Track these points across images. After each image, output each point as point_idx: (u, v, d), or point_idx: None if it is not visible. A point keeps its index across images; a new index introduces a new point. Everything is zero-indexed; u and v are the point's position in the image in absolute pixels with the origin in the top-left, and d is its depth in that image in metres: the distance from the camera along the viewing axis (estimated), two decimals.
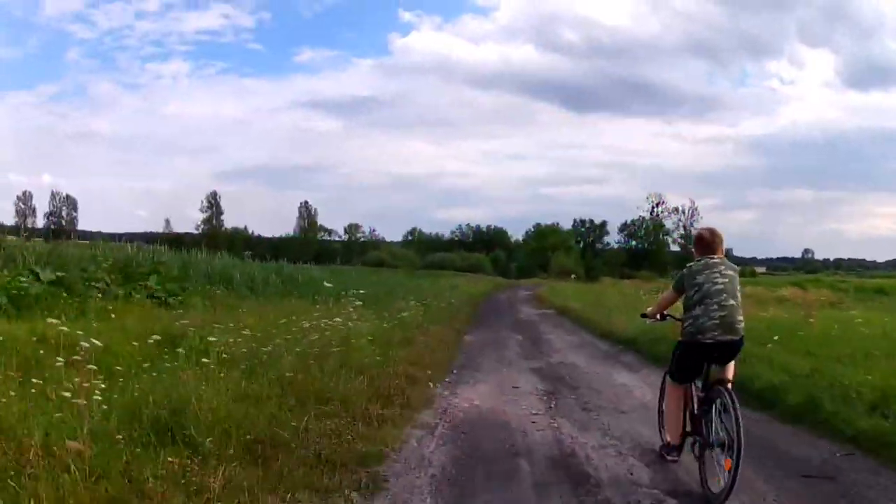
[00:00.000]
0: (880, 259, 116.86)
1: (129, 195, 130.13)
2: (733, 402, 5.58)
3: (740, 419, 5.46)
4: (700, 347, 6.06)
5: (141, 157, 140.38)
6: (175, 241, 43.70)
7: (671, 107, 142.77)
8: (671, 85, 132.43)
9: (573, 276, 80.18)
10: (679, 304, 6.72)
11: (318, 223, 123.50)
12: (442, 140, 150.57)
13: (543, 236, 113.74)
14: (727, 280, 6.06)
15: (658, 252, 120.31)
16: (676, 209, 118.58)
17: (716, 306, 5.97)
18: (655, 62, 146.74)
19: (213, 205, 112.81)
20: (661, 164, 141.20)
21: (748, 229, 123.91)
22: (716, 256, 6.25)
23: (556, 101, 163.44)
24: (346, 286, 19.53)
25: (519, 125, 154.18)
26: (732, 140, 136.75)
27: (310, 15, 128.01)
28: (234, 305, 15.50)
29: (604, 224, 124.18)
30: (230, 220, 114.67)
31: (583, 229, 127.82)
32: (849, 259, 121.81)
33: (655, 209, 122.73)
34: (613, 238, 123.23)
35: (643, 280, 71.46)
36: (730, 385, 5.92)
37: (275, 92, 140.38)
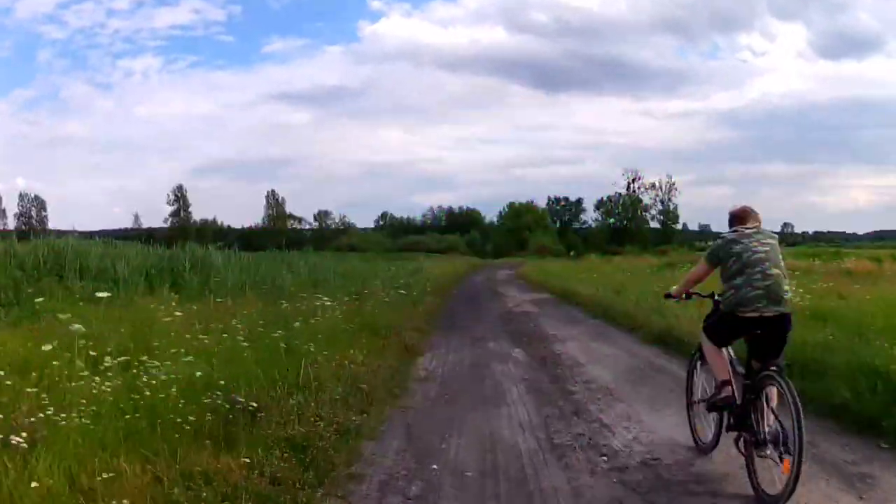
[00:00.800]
0: (861, 231, 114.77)
1: (104, 195, 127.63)
2: (790, 391, 4.85)
3: (800, 411, 4.70)
4: (742, 322, 5.35)
5: (115, 156, 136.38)
6: (146, 236, 41.29)
7: (642, 83, 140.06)
8: (641, 62, 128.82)
9: (572, 252, 73.31)
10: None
11: (288, 211, 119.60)
12: (414, 127, 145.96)
13: (518, 215, 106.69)
14: (768, 248, 5.50)
15: (638, 229, 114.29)
16: (653, 185, 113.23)
17: (759, 275, 5.34)
18: (625, 40, 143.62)
19: (180, 198, 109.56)
20: (633, 142, 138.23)
21: (724, 204, 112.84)
22: (750, 226, 5.69)
23: (527, 81, 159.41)
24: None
25: (490, 107, 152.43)
26: (703, 114, 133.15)
27: (278, 6, 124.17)
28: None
29: (579, 201, 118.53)
30: (203, 214, 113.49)
31: (558, 207, 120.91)
32: (828, 232, 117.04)
33: (632, 185, 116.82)
34: (590, 216, 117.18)
35: (632, 256, 65.63)
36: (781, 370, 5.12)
37: (246, 85, 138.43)
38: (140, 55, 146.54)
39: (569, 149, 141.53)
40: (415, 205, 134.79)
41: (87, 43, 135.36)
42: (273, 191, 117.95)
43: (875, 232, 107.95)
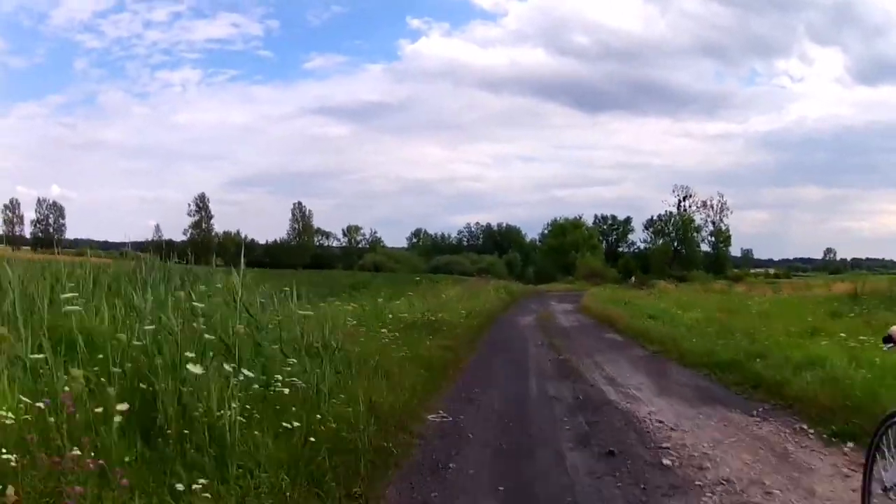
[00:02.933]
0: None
1: (136, 203, 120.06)
2: None
3: None
4: None
5: (150, 165, 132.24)
6: (166, 246, 37.56)
7: (681, 105, 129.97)
8: (680, 84, 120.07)
9: (632, 278, 60.34)
10: None
11: (315, 226, 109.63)
12: (453, 144, 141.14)
13: (563, 232, 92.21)
14: None
15: (691, 251, 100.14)
16: (705, 203, 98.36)
17: None
18: (665, 63, 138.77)
19: (202, 208, 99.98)
20: (672, 163, 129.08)
21: (760, 229, 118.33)
22: None
23: (567, 102, 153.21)
24: None
25: (529, 127, 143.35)
26: (742, 137, 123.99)
27: (318, 22, 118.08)
28: None
29: (628, 220, 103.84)
30: (236, 226, 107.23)
31: (604, 226, 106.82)
32: (867, 259, 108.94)
33: (682, 203, 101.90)
34: (638, 236, 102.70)
35: (703, 282, 51.92)
36: None
37: (284, 98, 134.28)
38: (179, 67, 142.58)
39: (608, 168, 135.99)
40: (452, 224, 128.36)
41: (125, 54, 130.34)
42: (300, 203, 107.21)
43: None
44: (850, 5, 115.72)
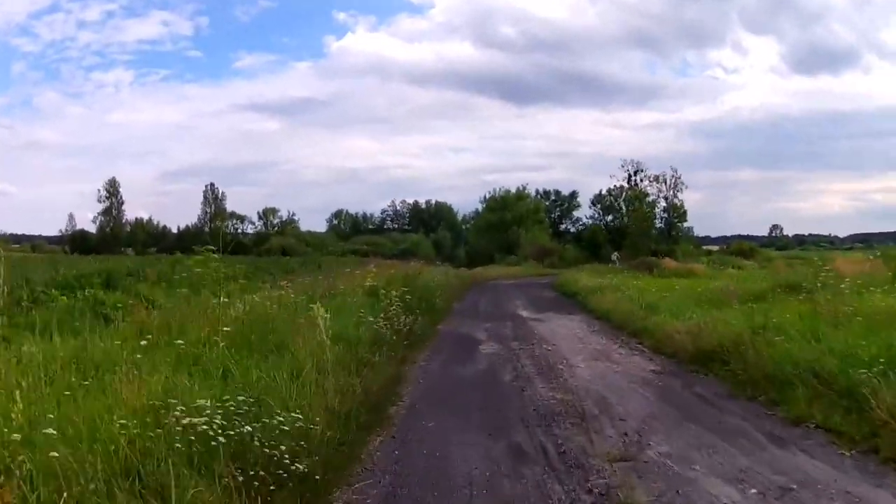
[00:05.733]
0: (842, 234, 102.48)
1: (79, 199, 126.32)
2: None
3: None
4: None
5: (87, 163, 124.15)
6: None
7: (611, 96, 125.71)
8: (610, 75, 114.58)
9: (615, 257, 42.49)
10: None
11: (229, 209, 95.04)
12: (383, 136, 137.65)
13: (504, 205, 73.07)
14: None
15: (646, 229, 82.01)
16: (657, 178, 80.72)
17: None
18: (594, 54, 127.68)
19: (112, 194, 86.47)
20: (602, 151, 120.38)
21: (696, 210, 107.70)
22: None
23: (496, 94, 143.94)
24: None
25: (459, 120, 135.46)
26: (674, 126, 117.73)
27: (247, 19, 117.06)
28: None
29: (574, 195, 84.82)
30: (169, 218, 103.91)
31: (547, 203, 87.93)
32: (810, 235, 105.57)
33: (633, 177, 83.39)
34: (584, 212, 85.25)
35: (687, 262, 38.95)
36: None
37: (215, 96, 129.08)
38: (112, 69, 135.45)
39: (537, 156, 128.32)
40: (381, 208, 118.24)
41: (59, 56, 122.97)
42: (212, 184, 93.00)
43: (853, 235, 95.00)
44: None
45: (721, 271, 32.80)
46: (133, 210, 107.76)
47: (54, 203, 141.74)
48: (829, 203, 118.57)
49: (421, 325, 11.98)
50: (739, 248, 64.43)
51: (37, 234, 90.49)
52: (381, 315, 9.93)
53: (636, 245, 60.76)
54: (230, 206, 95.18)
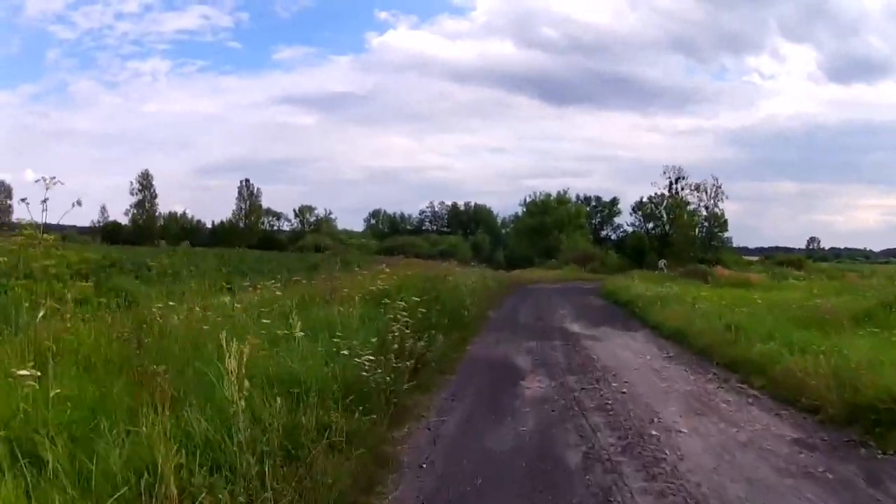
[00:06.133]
0: (875, 249, 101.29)
1: (111, 191, 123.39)
2: None
3: None
4: None
5: (120, 153, 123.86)
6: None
7: (649, 100, 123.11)
8: (649, 79, 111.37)
9: (662, 263, 38.78)
10: None
11: (264, 206, 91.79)
12: (421, 134, 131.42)
13: (544, 210, 69.60)
14: None
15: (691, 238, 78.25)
16: (698, 186, 76.75)
17: None
18: (633, 57, 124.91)
19: (145, 187, 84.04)
20: (640, 156, 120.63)
21: (733, 219, 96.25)
22: None
23: (535, 94, 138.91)
24: None
25: (497, 119, 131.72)
26: (711, 132, 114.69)
27: (287, 15, 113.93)
28: None
29: (615, 201, 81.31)
30: (204, 213, 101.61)
31: (588, 208, 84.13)
32: (845, 248, 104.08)
33: (675, 185, 79.46)
34: (624, 219, 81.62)
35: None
36: None
37: (252, 88, 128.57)
38: (148, 58, 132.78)
39: (576, 160, 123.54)
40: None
41: (96, 45, 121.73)
42: (247, 180, 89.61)
43: (888, 250, 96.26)
44: (823, 1, 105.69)
45: (782, 283, 29.03)
46: (167, 203, 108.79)
47: (87, 193, 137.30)
48: (863, 217, 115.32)
49: (441, 347, 8.72)
50: (788, 259, 59.94)
51: (70, 224, 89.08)
52: (377, 338, 6.61)
53: (681, 253, 56.90)
54: (266, 202, 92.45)
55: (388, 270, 11.57)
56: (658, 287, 21.53)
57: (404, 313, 7.65)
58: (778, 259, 64.69)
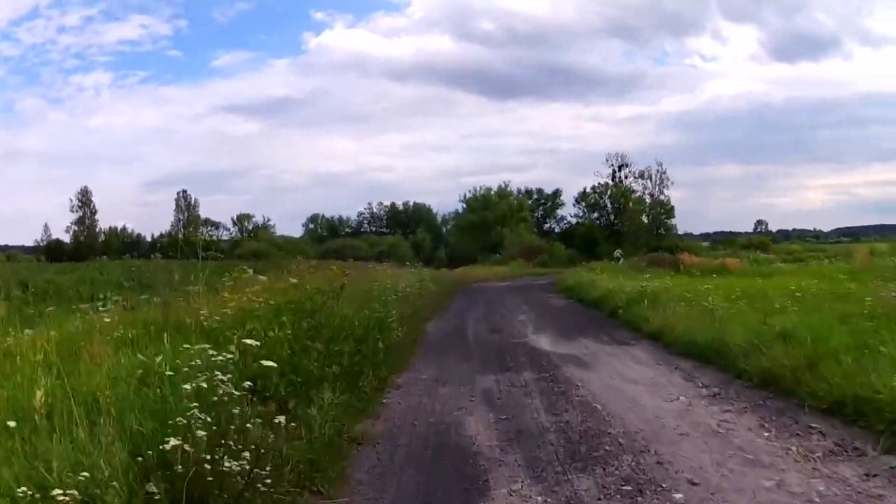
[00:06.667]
0: (825, 228, 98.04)
1: (53, 209, 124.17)
2: None
3: None
4: None
5: (69, 171, 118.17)
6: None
7: (590, 88, 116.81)
8: (589, 67, 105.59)
9: (618, 254, 34.82)
10: None
11: (202, 216, 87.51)
12: (362, 136, 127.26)
13: (485, 205, 65.66)
14: None
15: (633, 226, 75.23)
16: (642, 173, 73.63)
17: None
18: (573, 46, 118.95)
19: (85, 203, 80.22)
20: (583, 147, 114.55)
21: (678, 205, 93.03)
22: None
23: (475, 89, 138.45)
24: None
25: (439, 116, 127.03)
26: (653, 118, 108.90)
27: (224, 20, 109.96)
28: None
29: (557, 193, 77.69)
30: (154, 227, 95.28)
31: (530, 201, 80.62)
32: (793, 230, 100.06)
33: (618, 173, 76.30)
34: (568, 211, 78.00)
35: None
36: None
37: (194, 98, 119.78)
38: (91, 71, 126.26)
39: (519, 154, 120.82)
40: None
41: (40, 60, 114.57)
42: (184, 191, 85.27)
43: (839, 229, 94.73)
44: None
45: (767, 268, 25.54)
46: (116, 219, 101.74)
47: (36, 212, 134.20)
48: (811, 198, 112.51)
49: (324, 419, 4.34)
50: (750, 242, 57.44)
51: (19, 244, 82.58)
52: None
53: (635, 242, 53.65)
54: (210, 213, 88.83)
55: (289, 279, 7.30)
56: (630, 280, 17.55)
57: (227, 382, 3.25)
58: (743, 243, 62.43)
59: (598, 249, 47.52)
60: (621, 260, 33.57)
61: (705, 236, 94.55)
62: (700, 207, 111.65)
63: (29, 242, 79.94)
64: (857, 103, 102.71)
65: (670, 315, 10.91)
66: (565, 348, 9.66)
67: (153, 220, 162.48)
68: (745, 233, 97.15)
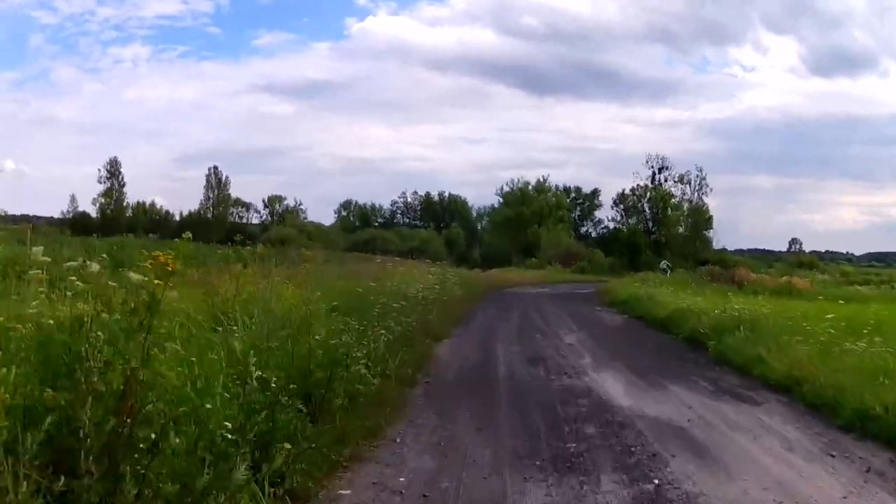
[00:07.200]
0: (857, 252, 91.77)
1: (91, 180, 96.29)
2: None
3: None
4: None
5: (102, 141, 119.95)
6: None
7: (629, 91, 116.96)
8: (629, 69, 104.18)
9: (665, 265, 31.18)
10: None
11: (233, 195, 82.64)
12: (399, 124, 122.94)
13: (522, 200, 61.68)
14: None
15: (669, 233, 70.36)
16: (682, 178, 68.12)
17: None
18: (614, 48, 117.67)
19: (114, 175, 75.16)
20: (616, 148, 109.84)
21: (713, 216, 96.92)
22: None
23: (514, 83, 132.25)
24: None
25: (476, 108, 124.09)
26: (690, 124, 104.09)
27: (267, 1, 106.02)
28: None
29: (595, 193, 72.69)
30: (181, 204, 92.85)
31: (567, 200, 76.07)
32: (826, 251, 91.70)
33: (658, 176, 71.04)
34: (605, 213, 72.92)
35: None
36: None
37: (233, 75, 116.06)
38: (129, 43, 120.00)
39: (552, 151, 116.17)
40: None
41: (78, 30, 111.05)
42: (216, 168, 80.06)
43: (870, 253, 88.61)
44: None
45: (844, 290, 21.43)
46: (146, 194, 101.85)
47: (64, 182, 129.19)
48: (843, 216, 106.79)
49: None
50: (799, 260, 52.93)
51: (47, 215, 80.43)
52: None
53: (683, 253, 49.33)
54: (242, 193, 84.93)
55: None
56: (693, 296, 13.78)
57: None
58: (792, 261, 58.37)
59: (641, 258, 43.52)
60: (668, 272, 29.60)
61: (739, 252, 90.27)
62: (731, 217, 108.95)
63: (56, 214, 77.40)
64: (889, 121, 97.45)
65: (796, 355, 7.16)
66: (653, 404, 5.93)
67: (183, 198, 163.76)
68: (780, 251, 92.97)
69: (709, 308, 11.72)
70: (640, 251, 49.68)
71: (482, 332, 11.22)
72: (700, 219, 70.02)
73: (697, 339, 10.08)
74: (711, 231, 69.32)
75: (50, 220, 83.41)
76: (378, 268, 13.01)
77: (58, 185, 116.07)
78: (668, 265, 31.95)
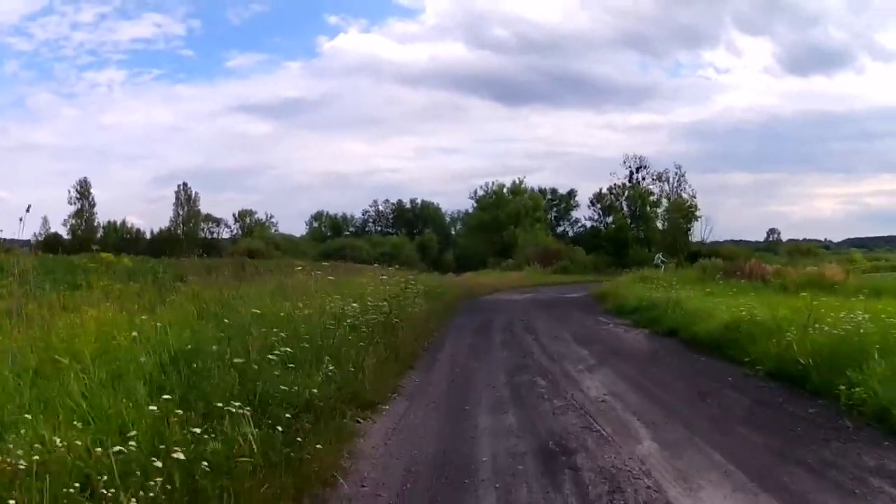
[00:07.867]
0: (835, 239, 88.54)
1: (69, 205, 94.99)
2: None
3: None
4: None
5: (80, 166, 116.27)
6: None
7: (603, 97, 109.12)
8: (602, 76, 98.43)
9: (659, 258, 27.33)
10: None
11: (202, 211, 79.40)
12: (374, 139, 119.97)
13: (497, 202, 57.88)
14: None
15: (647, 230, 67.08)
16: (660, 175, 65.17)
17: None
18: (586, 55, 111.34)
19: (84, 195, 72.96)
20: (594, 153, 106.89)
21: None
22: None
23: (488, 95, 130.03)
24: None
25: (451, 122, 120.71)
26: (666, 127, 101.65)
27: (238, 21, 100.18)
28: None
29: (572, 193, 69.14)
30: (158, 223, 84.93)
31: (544, 201, 72.50)
32: (804, 239, 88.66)
33: (635, 174, 67.99)
34: (582, 213, 69.71)
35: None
36: None
37: (207, 97, 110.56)
38: (105, 68, 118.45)
39: (528, 158, 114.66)
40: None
41: (53, 55, 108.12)
42: (184, 184, 77.18)
43: (849, 239, 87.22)
44: None
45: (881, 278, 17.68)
46: (125, 214, 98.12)
47: (46, 206, 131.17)
48: (821, 207, 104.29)
49: None
50: (797, 248, 49.56)
51: (24, 238, 77.11)
52: None
53: (676, 245, 45.71)
54: (219, 211, 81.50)
55: None
56: (730, 299, 9.84)
57: None
58: (788, 249, 55.73)
59: (628, 254, 39.80)
60: (663, 267, 25.79)
61: (717, 244, 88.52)
62: (709, 213, 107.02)
63: (30, 237, 75.46)
64: (868, 117, 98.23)
65: None
66: None
67: (158, 217, 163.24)
68: (757, 242, 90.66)
69: (779, 317, 7.82)
70: (626, 246, 45.84)
71: (449, 386, 6.88)
72: (685, 212, 66.94)
73: (793, 375, 6.15)
74: (697, 223, 66.31)
75: (20, 243, 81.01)
76: (301, 281, 8.84)
77: (37, 209, 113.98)
78: (662, 259, 28.15)
